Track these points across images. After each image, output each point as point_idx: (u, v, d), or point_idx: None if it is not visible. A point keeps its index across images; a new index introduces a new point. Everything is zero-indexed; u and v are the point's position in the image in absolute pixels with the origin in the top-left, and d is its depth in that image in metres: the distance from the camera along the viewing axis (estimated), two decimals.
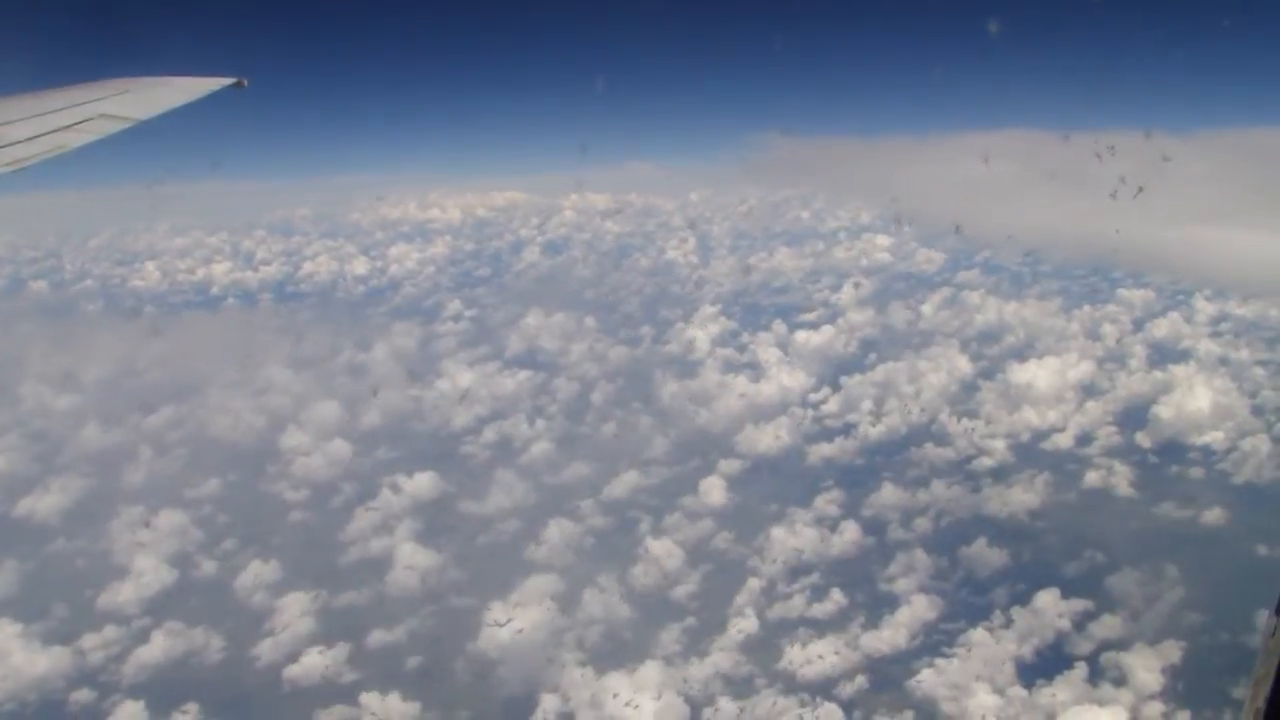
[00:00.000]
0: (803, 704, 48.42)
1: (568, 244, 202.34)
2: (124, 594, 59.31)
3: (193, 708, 48.47)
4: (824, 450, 77.59)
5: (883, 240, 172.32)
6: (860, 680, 50.33)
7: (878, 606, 55.73)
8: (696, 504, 68.03)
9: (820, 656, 51.32)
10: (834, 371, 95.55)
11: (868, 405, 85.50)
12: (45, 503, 69.78)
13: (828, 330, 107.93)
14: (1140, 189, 78.35)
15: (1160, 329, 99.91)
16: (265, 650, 54.20)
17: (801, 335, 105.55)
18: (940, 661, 50.59)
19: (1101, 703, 45.87)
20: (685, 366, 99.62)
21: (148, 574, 61.39)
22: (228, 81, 12.90)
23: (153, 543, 64.81)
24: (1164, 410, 76.16)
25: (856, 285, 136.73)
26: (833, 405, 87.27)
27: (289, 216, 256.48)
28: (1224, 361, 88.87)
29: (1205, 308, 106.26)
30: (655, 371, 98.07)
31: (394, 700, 49.06)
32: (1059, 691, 47.10)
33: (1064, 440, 75.86)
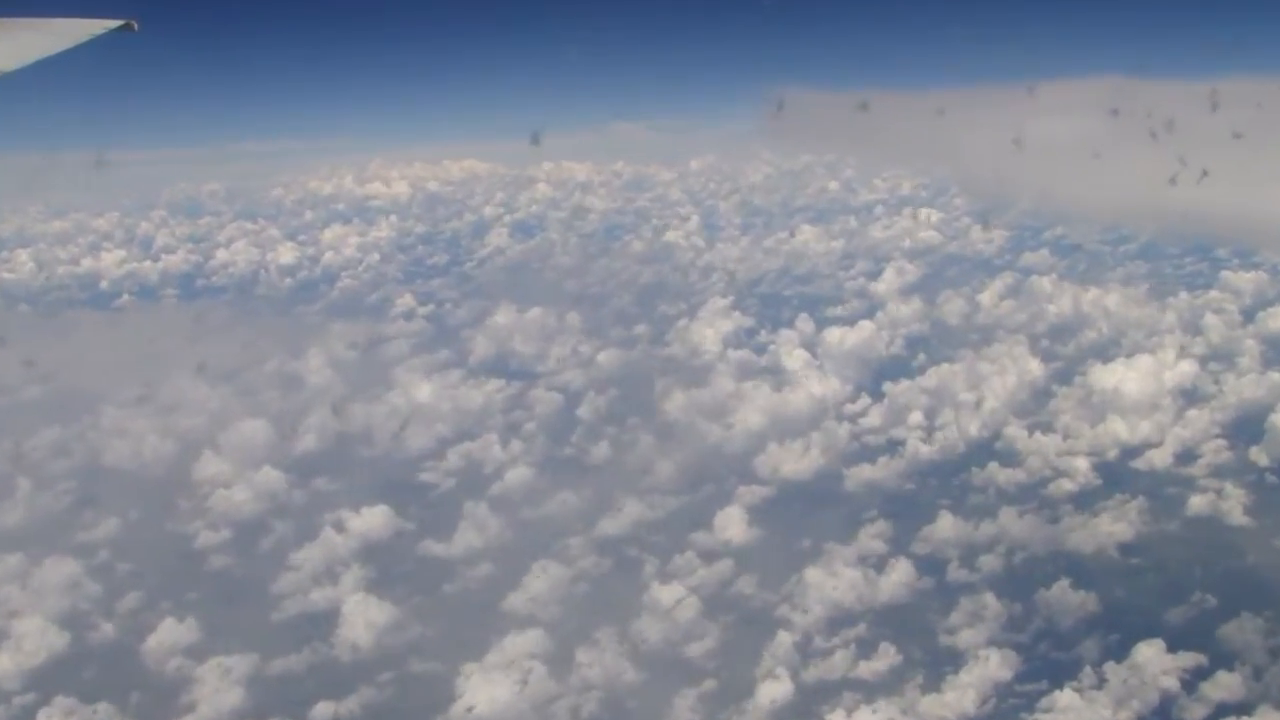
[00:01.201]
0: None
1: (542, 224, 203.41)
2: (1, 664, 58.82)
3: None
4: (865, 473, 78.15)
5: (930, 215, 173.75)
6: None
7: (938, 664, 55.88)
8: (712, 541, 68.33)
9: None
10: (874, 377, 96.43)
11: (917, 417, 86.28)
12: None
13: (865, 326, 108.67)
14: (1254, 149, 78.71)
15: (1276, 320, 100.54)
16: None
17: (833, 333, 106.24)
18: None
19: None
20: (692, 373, 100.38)
21: (31, 639, 60.82)
22: (115, 24, 12.51)
23: (36, 600, 64.37)
24: None
25: (899, 271, 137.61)
26: (874, 418, 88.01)
27: (195, 193, 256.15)
28: None
29: None
30: (655, 379, 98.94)
31: None
32: None
33: (1161, 458, 76.39)
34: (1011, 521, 68.26)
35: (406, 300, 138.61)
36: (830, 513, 71.92)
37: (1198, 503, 69.29)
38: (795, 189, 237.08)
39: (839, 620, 60.25)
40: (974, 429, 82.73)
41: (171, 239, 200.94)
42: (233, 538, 73.04)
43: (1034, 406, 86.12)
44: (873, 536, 67.73)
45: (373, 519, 71.51)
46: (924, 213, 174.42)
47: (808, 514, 72.07)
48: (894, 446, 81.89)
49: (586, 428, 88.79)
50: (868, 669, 56.10)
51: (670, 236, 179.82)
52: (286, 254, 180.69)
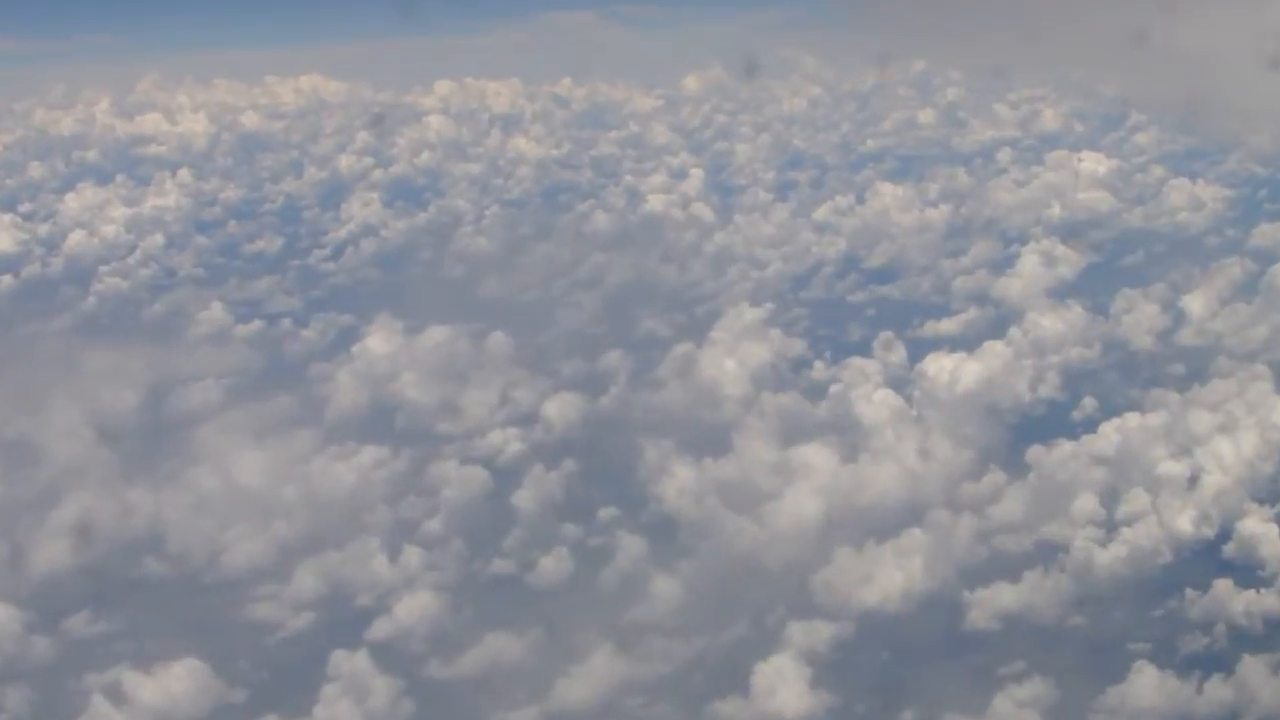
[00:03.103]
0: None
1: (436, 184, 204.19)
2: None
3: None
4: (1003, 599, 78.43)
5: (1097, 164, 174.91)
6: None
7: None
8: (748, 714, 68.71)
9: None
10: (1011, 436, 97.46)
11: (1087, 505, 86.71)
12: None
13: (993, 352, 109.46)
14: None
15: None
16: None
17: (937, 362, 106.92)
18: None
19: None
20: (703, 431, 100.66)
21: None
22: None
23: None
24: None
25: (1045, 257, 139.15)
26: (1013, 505, 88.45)
27: None
28: None
29: None
30: (640, 443, 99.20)
31: None
32: None
33: None
34: (1259, 678, 69.10)
35: (214, 313, 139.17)
36: (946, 665, 72.24)
37: None
38: (863, 123, 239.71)
39: None
40: (1186, 523, 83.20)
41: None
42: None
43: None
44: (1021, 705, 67.92)
45: (174, 682, 71.28)
46: (1085, 159, 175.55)
47: (907, 668, 72.36)
48: (1050, 554, 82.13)
49: (529, 526, 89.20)
50: None
51: (654, 203, 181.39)
52: (1, 235, 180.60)
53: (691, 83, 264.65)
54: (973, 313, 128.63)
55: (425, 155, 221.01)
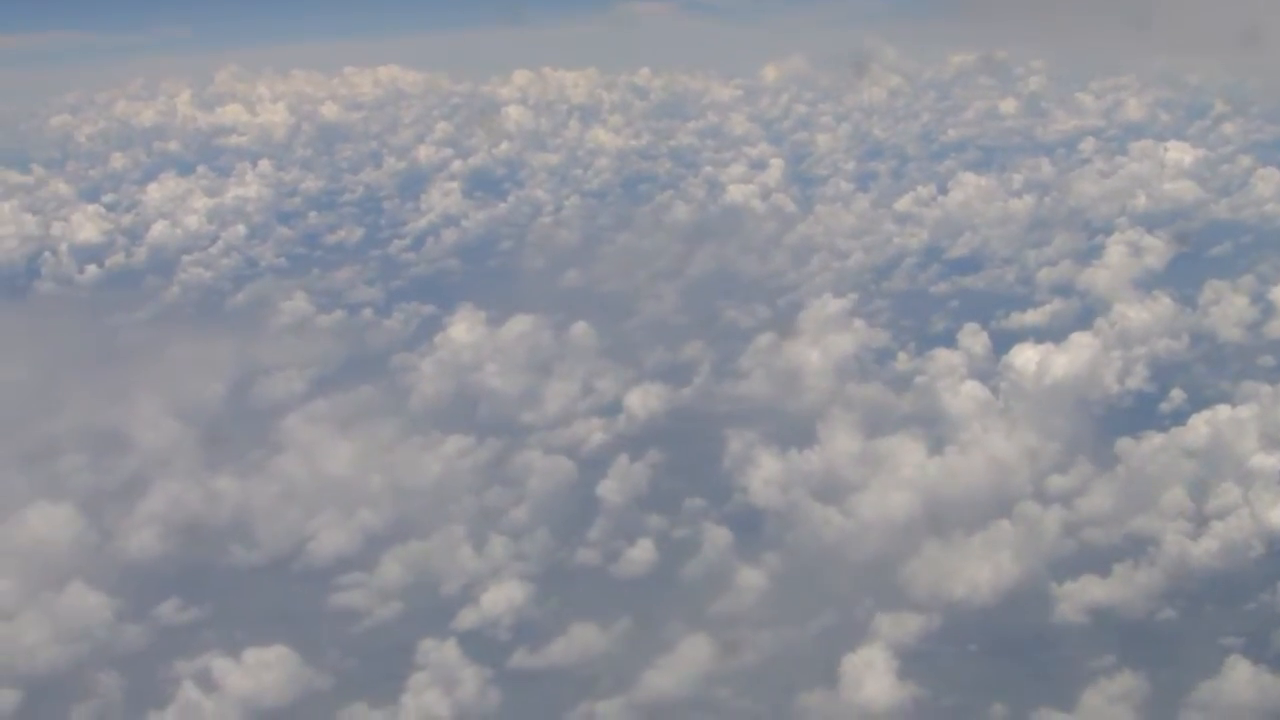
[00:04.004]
0: None
1: (515, 174, 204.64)
2: None
3: None
4: (1092, 591, 77.89)
5: (1183, 153, 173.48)
6: None
7: None
8: (837, 707, 68.41)
9: None
10: (1099, 428, 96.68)
11: (1176, 498, 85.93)
12: None
13: (1079, 343, 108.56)
14: None
15: None
16: None
17: (1024, 353, 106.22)
18: None
19: None
20: (787, 421, 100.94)
21: None
22: None
23: None
24: None
25: (1132, 248, 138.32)
26: (1102, 498, 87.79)
27: None
28: None
29: None
30: (724, 434, 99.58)
31: None
32: None
33: None
34: None
35: (296, 303, 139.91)
36: (1035, 658, 71.86)
37: None
38: (944, 112, 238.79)
39: None
40: (1279, 517, 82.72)
41: None
42: (20, 705, 73.14)
43: None
44: (1112, 699, 67.40)
45: (263, 669, 71.69)
46: (1171, 149, 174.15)
47: (997, 660, 71.92)
48: (1139, 547, 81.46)
49: (614, 516, 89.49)
50: None
51: (735, 193, 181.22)
52: (86, 225, 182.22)
53: (770, 73, 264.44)
54: (1057, 304, 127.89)
55: (504, 146, 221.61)
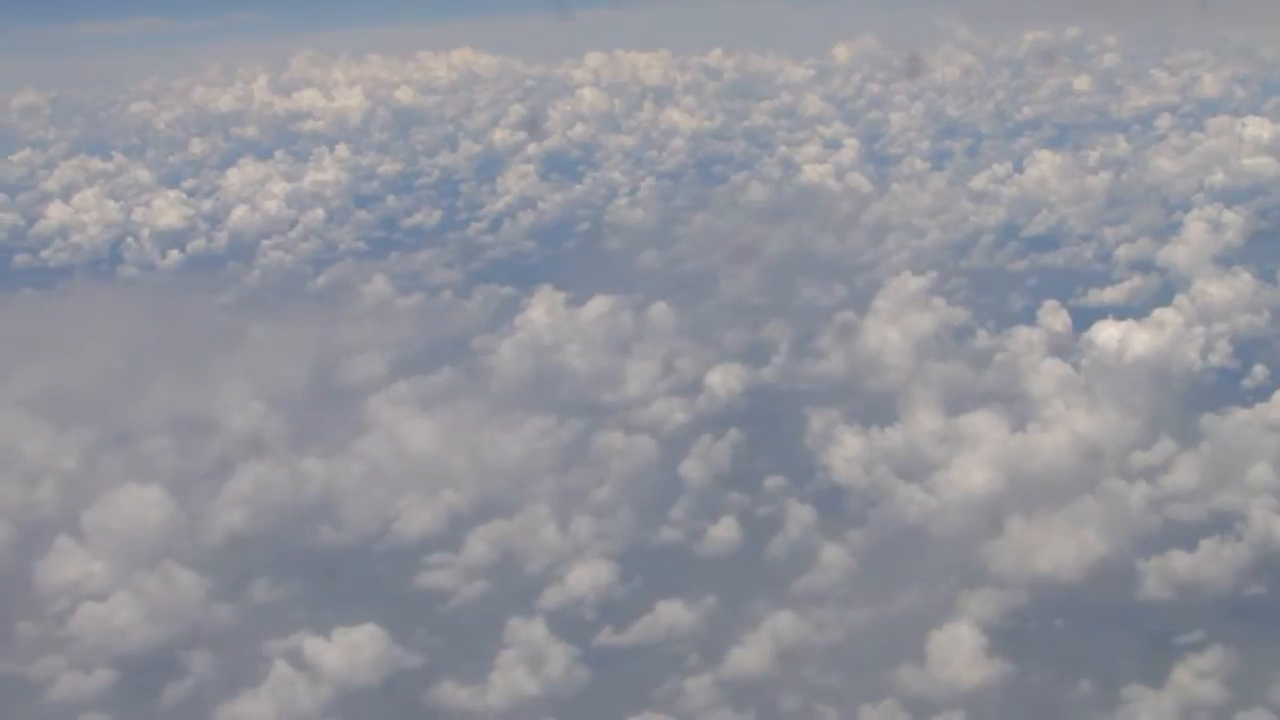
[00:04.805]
0: None
1: (591, 156, 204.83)
2: None
3: None
4: (1179, 567, 77.17)
5: (1259, 129, 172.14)
6: None
7: None
8: (926, 683, 68.04)
9: None
10: (1182, 405, 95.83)
11: (1261, 473, 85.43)
12: None
13: (1161, 320, 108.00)
14: None
15: None
16: None
17: (1105, 330, 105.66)
18: None
19: None
20: (868, 400, 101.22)
21: None
22: None
23: None
24: None
25: (1211, 225, 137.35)
26: (1186, 475, 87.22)
27: (2, 109, 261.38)
28: None
29: None
30: (805, 412, 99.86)
31: None
32: None
33: None
34: None
35: (376, 285, 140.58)
36: (1122, 634, 71.38)
37: None
38: (1018, 90, 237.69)
39: None
40: None
41: None
42: (114, 685, 74.18)
43: None
44: (1202, 675, 66.74)
45: (354, 648, 72.02)
46: (1249, 125, 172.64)
47: (1084, 636, 71.72)
48: (1225, 523, 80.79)
49: (697, 495, 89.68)
50: None
51: (810, 173, 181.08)
52: (167, 211, 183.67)
53: (842, 52, 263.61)
54: (1136, 281, 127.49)
55: (578, 128, 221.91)
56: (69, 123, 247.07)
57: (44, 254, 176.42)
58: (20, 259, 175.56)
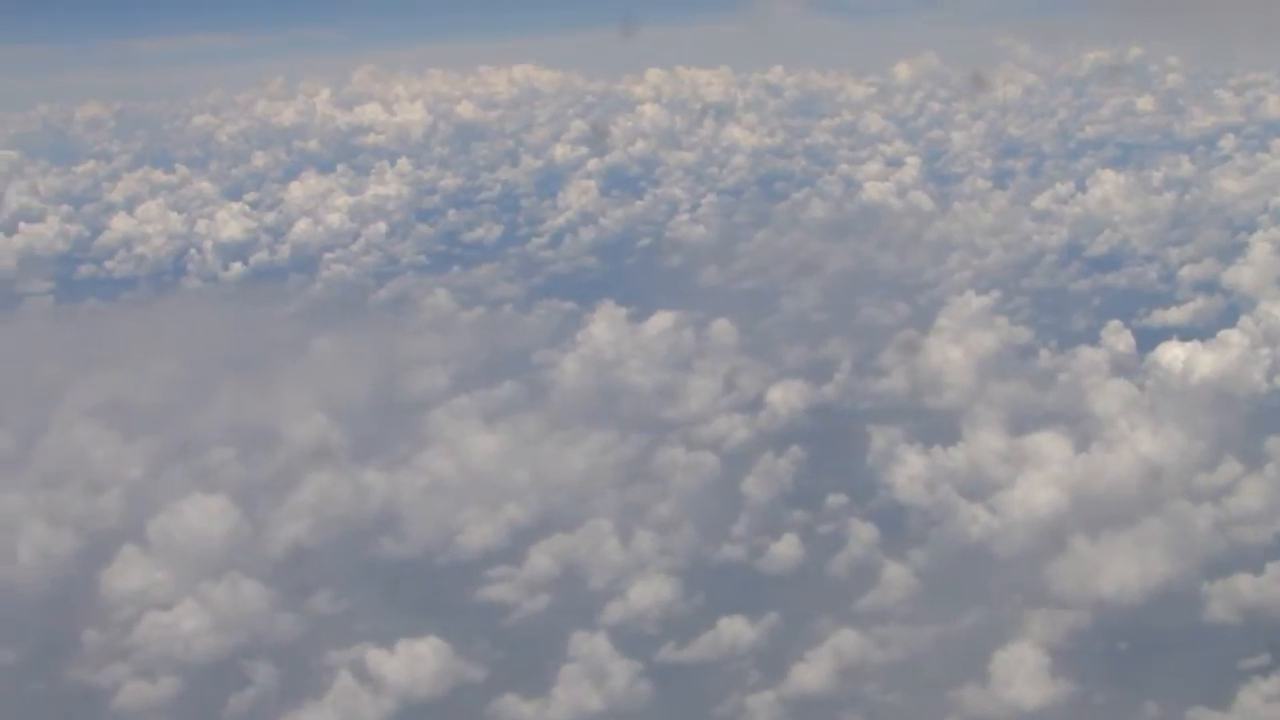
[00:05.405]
0: None
1: (651, 172, 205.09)
2: None
3: None
4: (1244, 590, 76.72)
5: None
6: None
7: None
8: (988, 703, 67.89)
9: None
10: (1247, 427, 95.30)
11: None
12: None
13: (1226, 340, 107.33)
14: None
15: None
16: None
17: (1169, 351, 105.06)
18: None
19: None
20: (930, 419, 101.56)
21: None
22: None
23: None
24: None
25: (1276, 245, 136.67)
26: (1252, 497, 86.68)
27: (66, 121, 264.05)
28: None
29: None
30: (867, 430, 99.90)
31: None
32: None
33: None
34: None
35: (438, 299, 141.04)
36: (1187, 657, 70.65)
37: None
38: (1080, 109, 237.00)
39: None
40: None
41: (32, 199, 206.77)
42: (179, 694, 74.78)
43: None
44: (1268, 699, 66.23)
45: (416, 660, 72.42)
46: None
47: (1148, 658, 71.04)
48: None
49: (759, 511, 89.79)
50: None
51: (871, 191, 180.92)
52: (230, 223, 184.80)
53: (903, 70, 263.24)
54: (1201, 302, 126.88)
55: (639, 144, 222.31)
56: (133, 135, 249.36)
57: (108, 265, 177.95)
58: (85, 270, 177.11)
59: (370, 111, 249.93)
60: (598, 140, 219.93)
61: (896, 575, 79.97)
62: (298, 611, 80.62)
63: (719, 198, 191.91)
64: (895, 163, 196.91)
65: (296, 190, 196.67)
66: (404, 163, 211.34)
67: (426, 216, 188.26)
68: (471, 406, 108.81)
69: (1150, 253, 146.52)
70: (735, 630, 75.71)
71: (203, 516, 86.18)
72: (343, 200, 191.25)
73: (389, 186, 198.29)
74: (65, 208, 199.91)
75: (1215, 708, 66.26)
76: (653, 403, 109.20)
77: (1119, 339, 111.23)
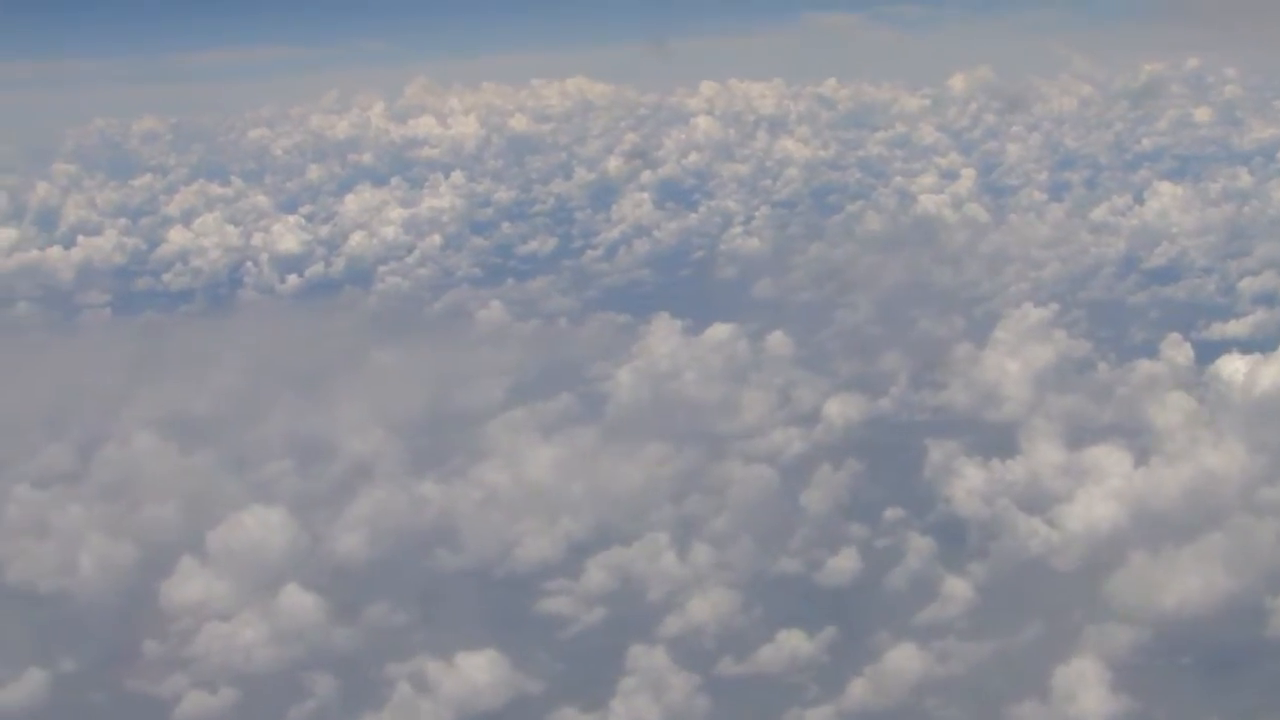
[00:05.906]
0: None
1: (704, 185, 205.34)
2: None
3: None
4: None
5: None
6: None
7: None
8: (1048, 717, 67.86)
9: None
10: None
11: None
12: None
13: None
14: None
15: None
16: None
17: (1229, 364, 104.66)
18: None
19: None
20: (988, 432, 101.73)
21: None
22: None
23: None
24: None
25: None
26: None
27: (124, 135, 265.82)
28: None
29: None
30: (925, 443, 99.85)
31: None
32: None
33: None
34: None
35: (493, 312, 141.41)
36: (1251, 672, 70.56)
37: None
38: (1138, 120, 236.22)
39: None
40: None
41: (90, 212, 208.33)
42: (238, 704, 75.02)
43: None
44: None
45: (475, 673, 72.64)
46: None
47: (1211, 673, 70.87)
48: None
49: (816, 524, 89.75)
50: None
51: (926, 203, 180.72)
52: (285, 236, 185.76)
53: (957, 82, 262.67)
54: (1261, 314, 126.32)
55: (692, 156, 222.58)
56: (189, 149, 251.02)
57: (165, 278, 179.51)
58: (142, 282, 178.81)
59: (424, 124, 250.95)
60: (644, 154, 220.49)
61: (956, 589, 79.78)
62: (355, 623, 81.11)
63: (773, 210, 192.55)
64: (950, 175, 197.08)
65: (351, 203, 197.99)
66: (458, 175, 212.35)
67: (481, 229, 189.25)
68: (527, 419, 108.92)
69: (1209, 265, 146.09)
70: (794, 644, 75.67)
71: (261, 528, 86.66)
72: (397, 213, 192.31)
73: (443, 199, 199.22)
74: (122, 221, 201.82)
75: None
76: (709, 415, 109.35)
77: (1178, 352, 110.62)
